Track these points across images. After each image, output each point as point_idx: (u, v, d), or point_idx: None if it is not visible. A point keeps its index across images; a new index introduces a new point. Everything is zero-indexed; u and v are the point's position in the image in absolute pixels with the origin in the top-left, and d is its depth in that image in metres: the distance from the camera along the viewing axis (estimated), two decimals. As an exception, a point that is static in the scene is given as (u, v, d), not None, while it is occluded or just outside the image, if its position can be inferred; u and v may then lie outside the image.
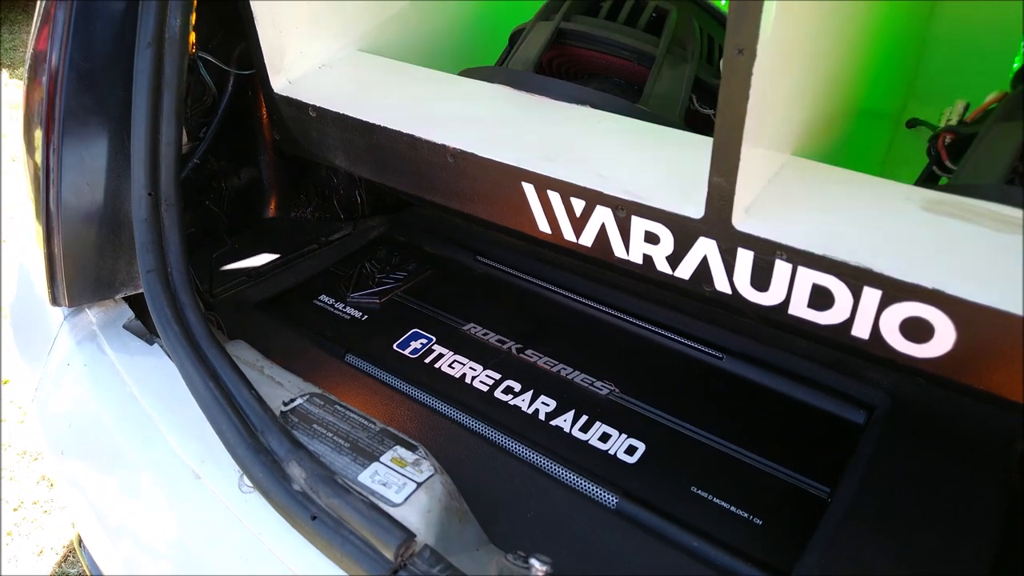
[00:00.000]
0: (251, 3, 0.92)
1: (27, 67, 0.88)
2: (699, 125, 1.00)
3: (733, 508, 0.78)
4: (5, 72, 3.92)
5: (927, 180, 0.89)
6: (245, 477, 0.69)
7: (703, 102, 1.01)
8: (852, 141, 0.97)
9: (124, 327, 0.89)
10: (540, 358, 0.97)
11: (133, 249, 0.85)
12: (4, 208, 2.52)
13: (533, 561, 0.59)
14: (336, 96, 0.94)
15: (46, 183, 0.83)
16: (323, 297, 1.08)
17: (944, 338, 0.63)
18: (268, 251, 1.14)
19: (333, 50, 1.03)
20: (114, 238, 0.87)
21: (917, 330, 0.64)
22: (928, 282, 0.62)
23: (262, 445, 0.70)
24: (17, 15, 4.71)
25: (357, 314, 1.05)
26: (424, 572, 0.60)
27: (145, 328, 0.88)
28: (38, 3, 0.89)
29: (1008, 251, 0.64)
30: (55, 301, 0.87)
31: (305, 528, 0.65)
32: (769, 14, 0.57)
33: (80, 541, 1.04)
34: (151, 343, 0.86)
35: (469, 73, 1.01)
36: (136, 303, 0.91)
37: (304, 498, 0.65)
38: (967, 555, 0.70)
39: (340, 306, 1.07)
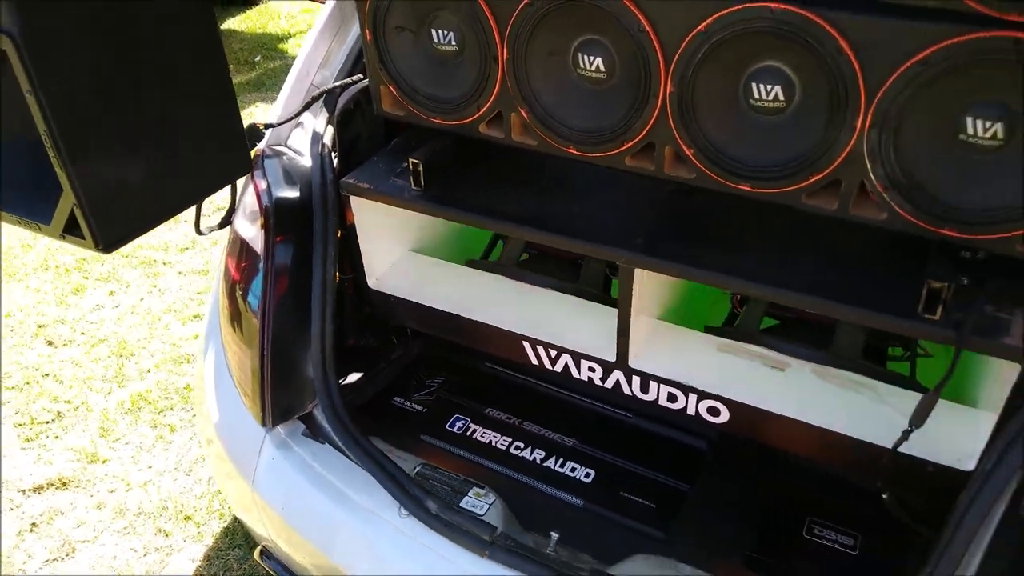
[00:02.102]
0: (359, 238, 1.62)
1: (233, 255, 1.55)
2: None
3: (637, 498, 1.53)
4: None
5: (729, 320, 1.67)
6: (402, 508, 1.40)
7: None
8: (698, 305, 1.73)
9: (302, 435, 1.57)
10: (533, 426, 1.71)
11: (305, 391, 1.54)
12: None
13: (552, 535, 1.33)
14: (406, 289, 1.66)
15: (262, 362, 1.51)
16: (396, 399, 1.79)
17: (725, 414, 1.39)
18: (354, 370, 1.83)
19: (397, 255, 1.74)
20: (296, 381, 1.55)
21: (715, 412, 1.40)
22: (716, 390, 1.38)
23: (408, 490, 1.40)
24: None
25: (420, 408, 1.77)
26: (504, 545, 1.32)
27: (314, 435, 1.57)
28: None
29: (749, 370, 1.40)
30: (264, 424, 1.55)
31: (438, 527, 1.36)
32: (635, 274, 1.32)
33: (264, 553, 1.70)
34: (322, 443, 1.55)
35: (475, 265, 1.74)
36: (304, 419, 1.60)
37: (437, 514, 1.37)
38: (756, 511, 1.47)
39: (408, 404, 1.78)
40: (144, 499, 2.38)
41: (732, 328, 1.60)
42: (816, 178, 1.16)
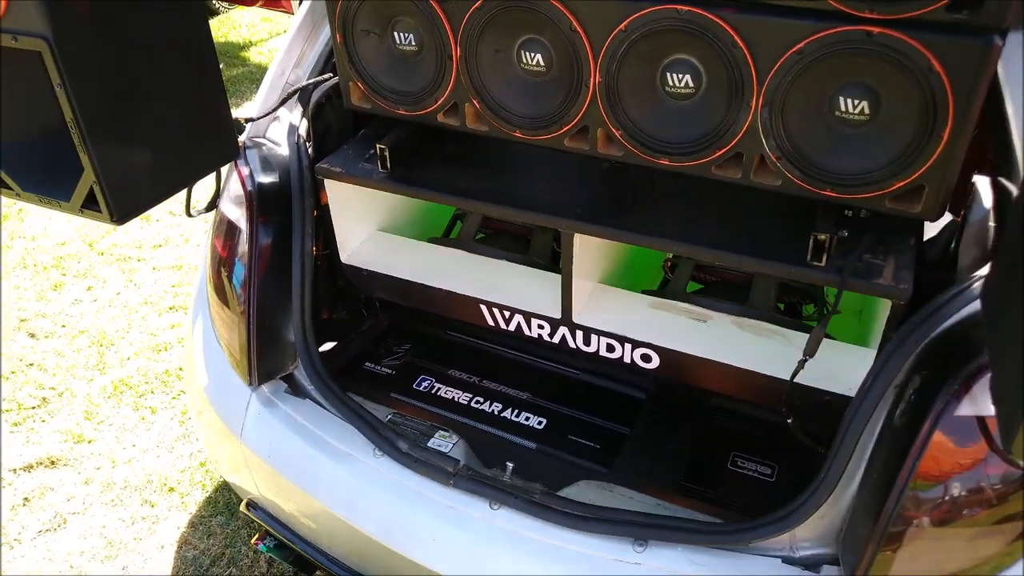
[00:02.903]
0: (332, 218, 1.81)
1: (219, 235, 1.74)
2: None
3: (584, 440, 1.74)
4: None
5: (663, 285, 1.89)
6: (376, 449, 1.59)
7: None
8: (636, 274, 1.96)
9: (285, 392, 1.76)
10: (492, 383, 1.91)
11: (286, 353, 1.73)
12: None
13: (508, 465, 1.53)
14: (376, 262, 1.85)
15: (248, 327, 1.69)
16: (368, 364, 1.98)
17: (656, 360, 1.61)
18: (329, 340, 2.02)
19: (367, 233, 1.93)
20: (278, 345, 1.74)
21: (647, 358, 1.62)
22: (648, 339, 1.60)
23: (381, 433, 1.60)
24: None
25: (389, 371, 1.96)
26: (466, 475, 1.52)
27: (295, 393, 1.76)
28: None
29: (676, 323, 1.62)
30: (251, 383, 1.73)
31: (408, 463, 1.55)
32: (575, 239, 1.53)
33: (250, 504, 1.88)
34: (303, 399, 1.74)
35: (438, 241, 1.94)
36: (286, 379, 1.78)
37: (408, 452, 1.56)
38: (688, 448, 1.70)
39: (378, 368, 1.97)
40: (129, 474, 2.53)
41: (663, 290, 1.82)
42: (722, 152, 1.39)
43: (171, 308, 3.28)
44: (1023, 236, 0.94)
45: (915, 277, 1.36)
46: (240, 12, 6.79)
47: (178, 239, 3.72)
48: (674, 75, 1.38)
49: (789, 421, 1.49)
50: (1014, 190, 1.35)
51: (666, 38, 1.34)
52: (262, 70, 5.74)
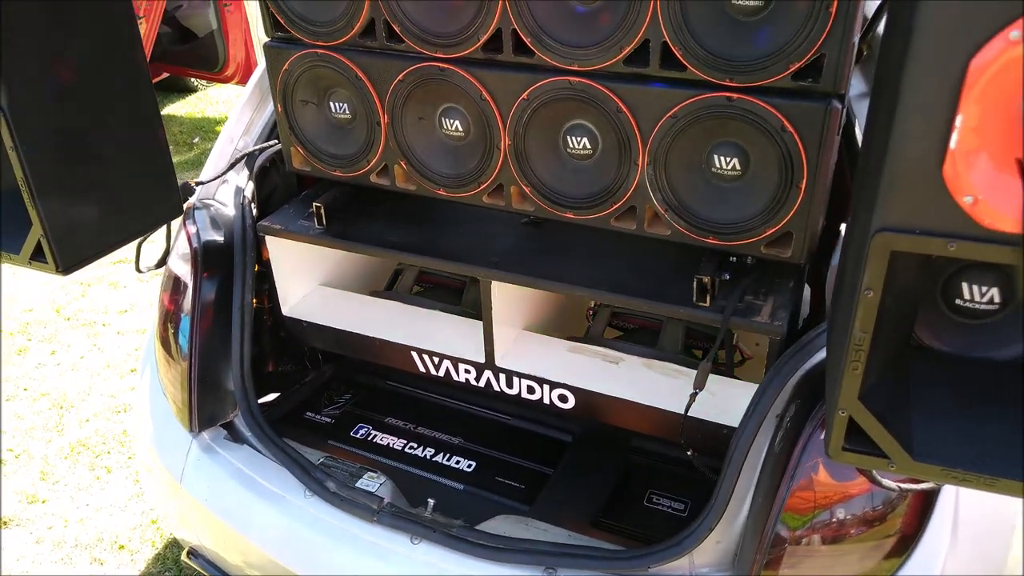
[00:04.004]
0: (273, 273, 1.93)
1: (167, 289, 1.85)
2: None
3: (509, 481, 1.83)
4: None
5: (586, 332, 2.02)
6: (306, 489, 1.67)
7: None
8: (564, 322, 2.09)
9: (224, 439, 1.84)
10: (426, 429, 2.00)
11: (227, 401, 1.82)
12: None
13: (429, 501, 1.62)
14: (315, 314, 1.97)
15: (189, 376, 1.79)
16: (308, 413, 2.07)
17: (572, 400, 1.72)
18: (272, 391, 2.11)
19: (309, 288, 2.05)
20: (219, 393, 1.83)
21: (564, 399, 1.73)
22: (564, 380, 1.71)
23: (311, 474, 1.68)
24: None
25: (328, 419, 2.05)
26: (389, 512, 1.60)
27: (234, 439, 1.84)
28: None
29: (591, 365, 1.74)
30: (191, 430, 1.81)
31: (335, 501, 1.63)
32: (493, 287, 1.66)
33: (191, 552, 1.93)
34: (241, 445, 1.82)
35: (377, 294, 2.07)
36: (226, 426, 1.87)
37: (335, 492, 1.64)
38: (607, 487, 1.79)
39: (318, 417, 2.06)
40: (81, 532, 2.56)
41: (583, 336, 1.94)
42: (617, 205, 1.54)
43: (133, 370, 3.35)
44: (845, 269, 1.08)
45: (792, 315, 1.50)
46: (217, 89, 7.06)
47: (144, 304, 3.82)
48: (573, 138, 1.54)
49: (689, 453, 1.60)
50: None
51: (563, 106, 1.51)
52: (237, 145, 5.95)
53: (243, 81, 5.48)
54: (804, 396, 1.39)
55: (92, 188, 1.48)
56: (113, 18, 1.44)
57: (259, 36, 4.54)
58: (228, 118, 2.09)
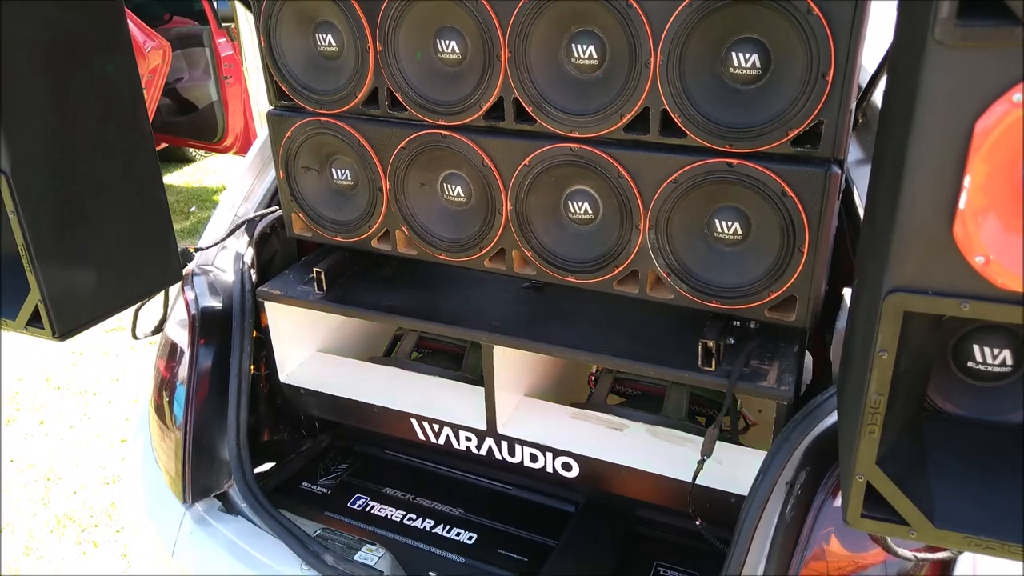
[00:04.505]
0: (272, 339, 1.91)
1: (163, 356, 1.82)
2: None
3: (512, 554, 1.77)
4: None
5: (588, 398, 1.99)
6: (303, 563, 1.62)
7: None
8: (566, 388, 2.06)
9: (218, 511, 1.79)
10: (425, 500, 1.95)
11: (221, 471, 1.78)
12: None
13: (430, 575, 1.56)
14: (313, 381, 1.94)
15: (184, 445, 1.75)
16: (304, 483, 2.02)
17: (576, 468, 1.69)
18: (268, 461, 2.06)
19: (307, 354, 2.03)
20: (214, 463, 1.79)
21: (568, 467, 1.70)
22: (568, 448, 1.68)
23: (308, 547, 1.63)
24: None
25: (325, 490, 2.00)
26: (388, 585, 1.55)
27: (228, 510, 1.79)
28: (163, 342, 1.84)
29: (595, 432, 1.71)
30: (185, 501, 1.76)
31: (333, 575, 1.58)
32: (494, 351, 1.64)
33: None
34: (236, 516, 1.77)
35: (376, 360, 2.04)
36: (220, 497, 1.82)
37: (333, 565, 1.59)
38: (612, 559, 1.73)
39: (315, 487, 2.01)
40: (64, 611, 2.47)
41: (586, 402, 1.92)
42: (619, 270, 1.54)
43: (123, 440, 3.28)
44: (851, 331, 1.07)
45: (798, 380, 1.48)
46: (214, 159, 7.16)
47: (137, 373, 3.78)
48: (574, 203, 1.55)
49: (698, 523, 1.56)
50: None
51: (564, 171, 1.52)
52: (234, 213, 6.00)
53: (242, 151, 5.56)
54: (814, 462, 1.36)
55: (92, 253, 1.48)
56: (119, 83, 1.47)
57: (260, 107, 4.63)
58: (228, 186, 2.11)
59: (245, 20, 4.24)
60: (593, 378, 2.00)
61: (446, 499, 1.95)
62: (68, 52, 1.36)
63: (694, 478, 1.49)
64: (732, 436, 1.84)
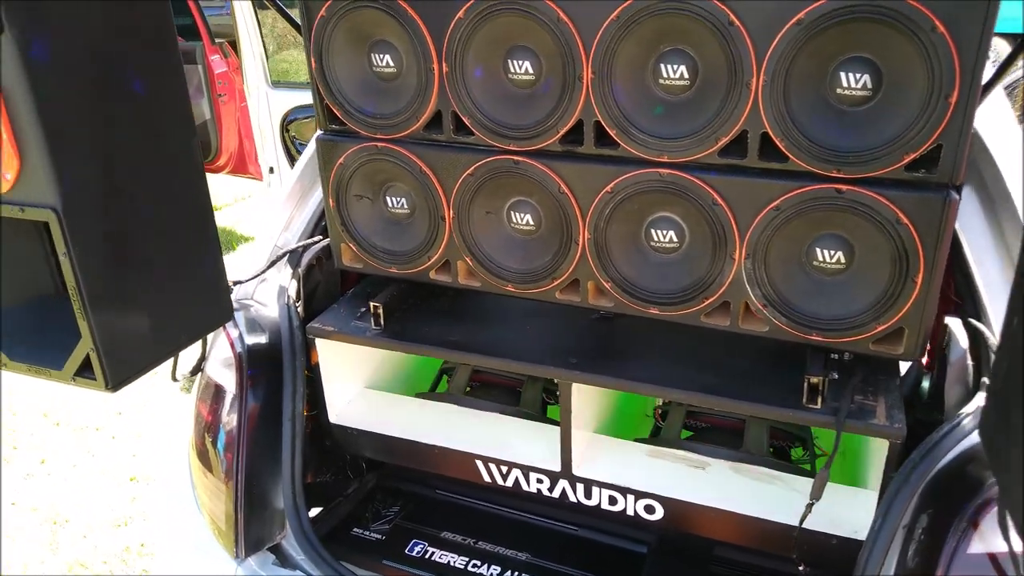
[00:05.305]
0: (322, 377, 1.80)
1: (205, 398, 1.69)
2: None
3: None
4: None
5: (654, 432, 1.90)
6: (373, 623, 1.50)
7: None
8: (625, 422, 1.97)
9: (272, 564, 1.66)
10: (488, 544, 1.84)
11: (274, 521, 1.65)
12: None
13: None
14: (365, 421, 1.83)
15: (235, 495, 1.62)
16: (356, 529, 1.90)
17: (660, 511, 1.59)
18: (315, 505, 1.94)
19: (356, 391, 1.92)
20: (266, 513, 1.66)
21: (651, 509, 1.60)
22: (651, 489, 1.58)
23: (378, 607, 1.51)
24: None
25: (379, 536, 1.88)
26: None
27: (283, 563, 1.67)
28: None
29: (676, 471, 1.62)
30: (238, 556, 1.63)
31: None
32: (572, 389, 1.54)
33: None
34: (293, 570, 1.65)
35: (426, 396, 1.93)
36: (273, 549, 1.69)
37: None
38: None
39: (367, 533, 1.89)
40: (83, 669, 2.31)
41: (658, 438, 1.82)
42: (709, 301, 1.45)
43: (132, 479, 3.12)
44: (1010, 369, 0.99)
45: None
46: (209, 178, 6.98)
47: (139, 406, 3.61)
48: (658, 231, 1.46)
49: (801, 568, 1.47)
50: (986, 331, 1.43)
51: (650, 198, 1.43)
52: (226, 232, 5.85)
53: (235, 171, 5.41)
54: (935, 505, 1.28)
55: (143, 294, 1.36)
56: (165, 107, 1.35)
57: (259, 126, 4.49)
58: (265, 215, 1.99)
59: (246, 35, 4.10)
60: (659, 411, 1.91)
61: (510, 543, 1.84)
62: (110, 76, 1.24)
63: (801, 521, 1.40)
64: (812, 470, 1.76)
